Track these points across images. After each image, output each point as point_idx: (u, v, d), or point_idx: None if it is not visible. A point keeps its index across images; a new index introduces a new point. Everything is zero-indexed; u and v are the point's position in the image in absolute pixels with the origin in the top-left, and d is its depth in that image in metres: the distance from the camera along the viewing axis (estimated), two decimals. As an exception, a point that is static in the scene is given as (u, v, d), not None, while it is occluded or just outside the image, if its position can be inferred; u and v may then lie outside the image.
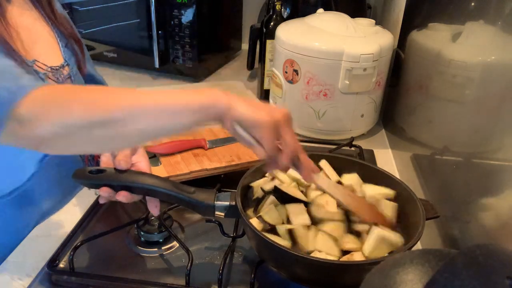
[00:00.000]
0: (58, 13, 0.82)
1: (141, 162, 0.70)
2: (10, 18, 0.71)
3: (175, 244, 0.73)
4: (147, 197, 0.66)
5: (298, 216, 0.66)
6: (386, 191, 0.70)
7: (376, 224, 0.64)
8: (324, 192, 0.68)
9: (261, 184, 0.72)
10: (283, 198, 0.68)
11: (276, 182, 0.72)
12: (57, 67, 0.77)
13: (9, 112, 0.53)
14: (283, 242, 0.62)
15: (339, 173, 0.75)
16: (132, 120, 0.52)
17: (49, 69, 0.75)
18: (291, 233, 0.64)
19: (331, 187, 0.67)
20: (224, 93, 0.54)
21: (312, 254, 0.60)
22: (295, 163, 0.59)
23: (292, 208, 0.67)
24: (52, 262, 0.67)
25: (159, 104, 0.53)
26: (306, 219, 0.65)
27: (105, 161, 0.70)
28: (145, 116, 0.53)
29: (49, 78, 0.75)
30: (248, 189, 0.72)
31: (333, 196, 0.66)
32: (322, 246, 0.62)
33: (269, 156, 0.56)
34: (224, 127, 0.55)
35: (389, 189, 0.71)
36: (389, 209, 0.68)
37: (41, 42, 0.77)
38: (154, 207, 0.66)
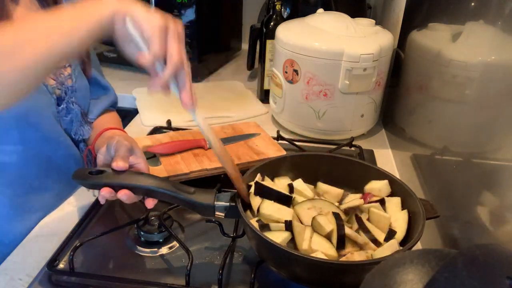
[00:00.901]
0: None
1: (139, 164, 0.70)
2: (15, 18, 0.71)
3: (175, 244, 0.73)
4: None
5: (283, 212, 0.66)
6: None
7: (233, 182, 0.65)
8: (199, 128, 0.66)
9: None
10: (264, 192, 0.68)
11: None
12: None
13: None
14: (282, 235, 0.62)
15: (339, 173, 0.75)
16: (25, 45, 0.52)
17: None
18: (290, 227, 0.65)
19: (205, 124, 0.64)
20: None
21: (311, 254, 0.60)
22: (178, 82, 0.58)
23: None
24: (52, 262, 0.67)
25: (49, 26, 0.53)
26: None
27: (102, 159, 0.70)
28: (38, 40, 0.52)
29: (48, 76, 0.75)
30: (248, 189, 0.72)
31: (205, 134, 0.65)
32: (319, 246, 0.61)
33: (153, 61, 0.55)
34: (115, 32, 0.55)
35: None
36: (394, 206, 0.67)
37: None
38: (150, 201, 0.66)
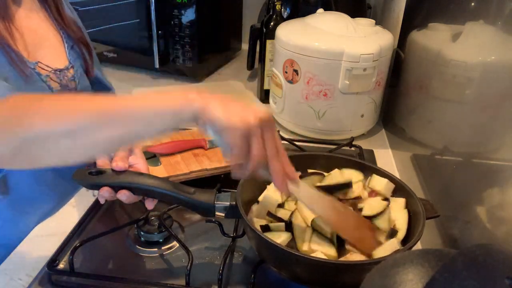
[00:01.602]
0: (66, 15, 0.81)
1: (138, 164, 0.70)
2: (16, 19, 0.71)
3: (175, 244, 0.73)
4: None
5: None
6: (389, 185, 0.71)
7: (355, 247, 0.61)
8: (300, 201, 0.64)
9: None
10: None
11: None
12: (61, 69, 0.77)
13: None
14: (283, 236, 0.62)
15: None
16: (99, 127, 0.51)
17: (52, 71, 0.75)
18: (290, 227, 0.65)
19: (307, 197, 0.61)
20: (198, 94, 0.52)
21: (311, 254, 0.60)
22: (267, 169, 0.56)
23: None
24: (52, 262, 0.67)
25: (128, 110, 0.51)
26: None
27: (101, 160, 0.70)
28: (113, 123, 0.51)
29: (52, 80, 0.75)
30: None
31: (309, 207, 0.62)
32: (319, 247, 0.62)
33: (236, 163, 0.54)
34: (199, 128, 0.53)
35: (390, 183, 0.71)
36: (398, 206, 0.67)
37: (46, 44, 0.76)
38: (150, 201, 0.66)
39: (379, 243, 0.62)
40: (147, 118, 0.52)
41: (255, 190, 0.72)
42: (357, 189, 0.71)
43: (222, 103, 0.52)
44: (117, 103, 0.52)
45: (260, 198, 0.71)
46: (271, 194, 0.70)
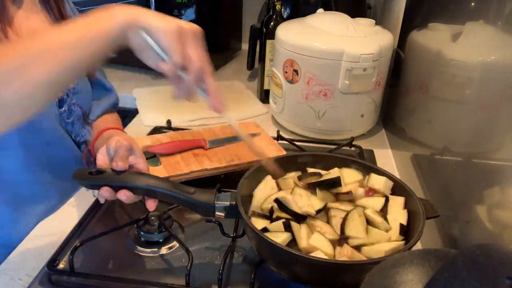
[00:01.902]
0: (68, 16, 0.81)
1: (139, 164, 0.70)
2: (15, 21, 0.70)
3: (175, 244, 0.73)
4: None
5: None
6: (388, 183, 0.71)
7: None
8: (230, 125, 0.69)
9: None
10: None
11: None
12: None
13: None
14: (282, 236, 0.62)
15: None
16: (31, 64, 0.50)
17: None
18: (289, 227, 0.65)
19: (235, 123, 0.67)
20: (122, 8, 0.52)
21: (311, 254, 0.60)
22: (202, 87, 0.57)
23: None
24: (52, 262, 0.67)
25: (56, 42, 0.51)
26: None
27: (102, 159, 0.70)
28: (45, 57, 0.50)
29: None
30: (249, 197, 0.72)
31: (238, 132, 0.68)
32: (318, 242, 0.62)
33: (175, 70, 0.54)
34: (130, 42, 0.53)
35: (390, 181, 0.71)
36: (397, 205, 0.67)
37: None
38: (151, 202, 0.66)
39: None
40: (78, 44, 0.51)
41: (254, 187, 0.72)
42: (350, 185, 0.71)
43: (153, 12, 0.53)
44: (43, 37, 0.52)
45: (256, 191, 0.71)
46: (264, 188, 0.70)
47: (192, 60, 0.54)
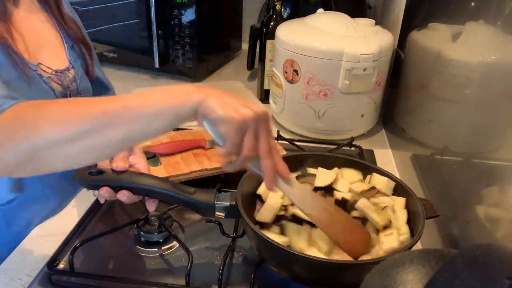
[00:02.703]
0: (67, 15, 0.81)
1: (139, 164, 0.70)
2: (16, 21, 0.71)
3: (175, 244, 0.73)
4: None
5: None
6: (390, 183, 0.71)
7: (345, 250, 0.61)
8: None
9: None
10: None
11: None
12: (62, 70, 0.77)
13: None
14: (281, 239, 0.62)
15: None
16: (104, 129, 0.51)
17: (53, 73, 0.75)
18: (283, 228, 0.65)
19: (297, 196, 0.60)
20: (197, 88, 0.53)
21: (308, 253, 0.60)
22: (260, 167, 0.56)
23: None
24: (52, 262, 0.67)
25: (132, 110, 0.52)
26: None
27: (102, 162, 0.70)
28: (118, 123, 0.51)
29: (53, 81, 0.75)
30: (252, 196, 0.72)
31: (299, 206, 0.61)
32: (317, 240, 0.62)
33: (227, 155, 0.54)
34: (197, 121, 0.54)
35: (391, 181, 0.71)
36: (398, 205, 0.68)
37: (47, 44, 0.76)
38: (151, 203, 0.66)
39: (371, 247, 0.63)
40: (149, 116, 0.52)
41: (255, 185, 0.72)
42: (344, 190, 0.70)
43: (220, 96, 0.52)
44: (118, 104, 0.52)
45: (260, 191, 0.71)
46: (272, 199, 0.69)
47: (244, 151, 0.54)
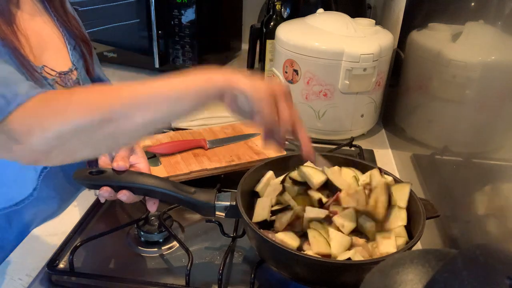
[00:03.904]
0: (70, 14, 0.81)
1: (140, 163, 0.70)
2: (20, 23, 0.70)
3: (175, 244, 0.73)
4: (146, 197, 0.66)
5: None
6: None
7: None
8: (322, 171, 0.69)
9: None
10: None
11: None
12: (65, 72, 0.77)
13: (1, 121, 0.52)
14: (293, 241, 0.63)
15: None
16: (132, 113, 0.52)
17: (57, 75, 0.75)
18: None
19: (330, 170, 0.69)
20: (220, 71, 0.55)
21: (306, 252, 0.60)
22: (294, 137, 0.60)
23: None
24: (52, 262, 0.67)
25: (158, 93, 0.53)
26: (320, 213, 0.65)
27: (104, 160, 0.70)
28: (145, 107, 0.52)
29: (58, 83, 0.75)
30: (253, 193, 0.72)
31: (330, 177, 0.68)
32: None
33: (268, 128, 0.57)
34: (224, 104, 0.56)
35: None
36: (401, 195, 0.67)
37: (50, 46, 0.76)
38: (152, 204, 0.66)
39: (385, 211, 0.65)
40: (177, 98, 0.53)
41: (255, 185, 0.73)
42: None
43: (246, 77, 0.55)
44: (145, 88, 0.54)
45: (257, 189, 0.72)
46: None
47: (282, 119, 0.56)
